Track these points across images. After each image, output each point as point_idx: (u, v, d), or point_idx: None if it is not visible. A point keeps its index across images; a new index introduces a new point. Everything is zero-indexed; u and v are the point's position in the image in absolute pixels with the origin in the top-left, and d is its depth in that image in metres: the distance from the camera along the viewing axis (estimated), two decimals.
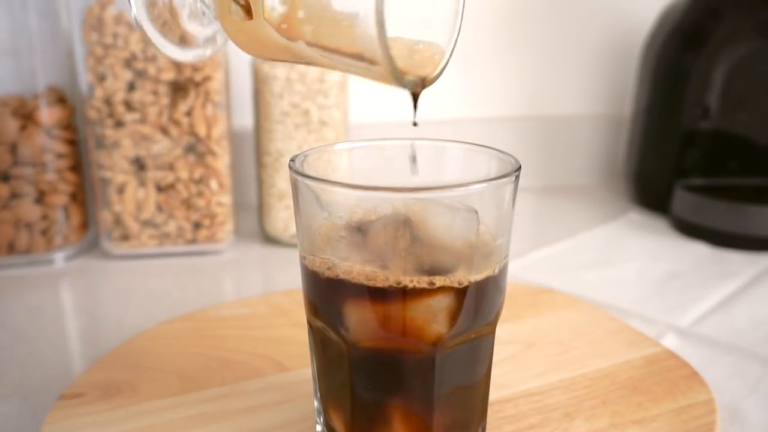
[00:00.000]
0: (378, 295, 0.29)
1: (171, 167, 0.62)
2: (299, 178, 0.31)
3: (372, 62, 0.26)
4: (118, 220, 0.62)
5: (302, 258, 0.32)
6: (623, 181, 0.89)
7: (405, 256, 0.30)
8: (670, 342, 0.49)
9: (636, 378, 0.42)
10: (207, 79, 0.60)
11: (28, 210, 0.60)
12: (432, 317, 0.30)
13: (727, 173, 0.75)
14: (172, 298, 0.56)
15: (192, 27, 0.29)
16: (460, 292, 0.30)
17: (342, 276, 0.30)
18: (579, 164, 0.92)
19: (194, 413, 0.38)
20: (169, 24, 0.28)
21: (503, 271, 0.32)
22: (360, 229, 0.32)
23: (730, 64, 0.71)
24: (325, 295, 0.31)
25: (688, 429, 0.37)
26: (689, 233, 0.71)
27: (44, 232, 0.61)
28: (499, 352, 0.37)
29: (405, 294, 0.29)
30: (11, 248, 0.61)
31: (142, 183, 0.62)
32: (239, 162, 0.74)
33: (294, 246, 0.67)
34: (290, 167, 0.31)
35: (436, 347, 0.30)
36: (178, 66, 0.59)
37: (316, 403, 0.35)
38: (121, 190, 0.62)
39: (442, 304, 0.30)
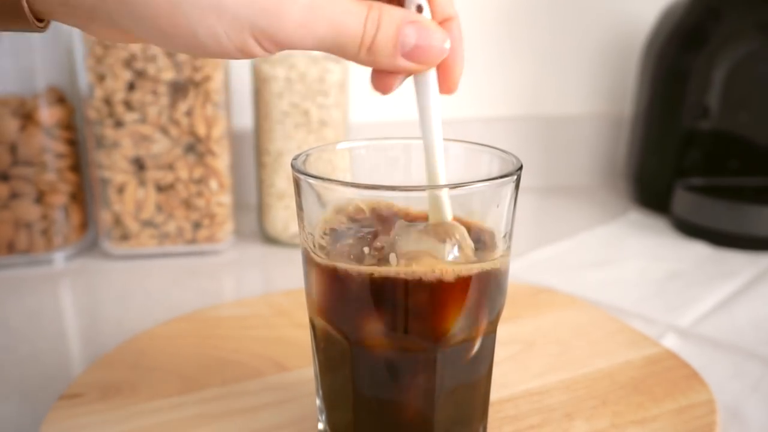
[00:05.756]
0: (380, 292, 0.29)
1: (171, 167, 0.62)
2: (302, 177, 0.31)
3: None
4: (117, 220, 0.62)
5: (304, 256, 0.32)
6: (623, 181, 0.89)
7: (406, 253, 0.30)
8: (670, 342, 0.49)
9: (636, 378, 0.42)
10: (207, 79, 0.60)
11: (28, 210, 0.60)
12: (434, 314, 0.30)
13: (728, 173, 0.75)
14: (172, 298, 0.56)
15: None
16: (462, 290, 0.30)
17: (344, 274, 0.30)
18: (579, 164, 0.92)
19: (194, 413, 0.38)
20: None
21: (505, 270, 0.32)
22: (362, 227, 0.32)
23: (730, 64, 0.71)
24: (328, 293, 0.31)
25: (689, 429, 0.37)
26: (689, 233, 0.71)
27: (44, 232, 0.61)
28: (499, 352, 0.37)
29: (407, 291, 0.29)
30: (11, 248, 0.61)
31: (142, 183, 0.62)
32: (239, 162, 0.74)
33: (294, 246, 0.67)
34: (292, 166, 0.31)
35: (437, 345, 0.30)
36: (177, 65, 0.59)
37: (318, 402, 0.35)
38: (120, 190, 0.62)
39: (443, 301, 0.30)
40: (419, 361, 0.31)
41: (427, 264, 0.29)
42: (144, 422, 0.37)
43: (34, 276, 0.60)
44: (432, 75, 0.29)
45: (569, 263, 0.65)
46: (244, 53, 0.25)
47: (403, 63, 0.27)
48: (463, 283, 0.30)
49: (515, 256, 0.65)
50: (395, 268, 0.29)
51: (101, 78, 0.59)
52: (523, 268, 0.63)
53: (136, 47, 0.58)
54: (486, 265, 0.30)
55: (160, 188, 0.62)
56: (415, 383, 0.31)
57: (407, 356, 0.31)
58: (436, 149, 0.30)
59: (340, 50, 0.27)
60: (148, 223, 0.63)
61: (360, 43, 0.26)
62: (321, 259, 0.31)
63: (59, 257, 0.63)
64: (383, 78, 0.29)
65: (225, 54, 0.25)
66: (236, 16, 0.24)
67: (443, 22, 0.29)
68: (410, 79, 0.30)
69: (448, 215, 0.30)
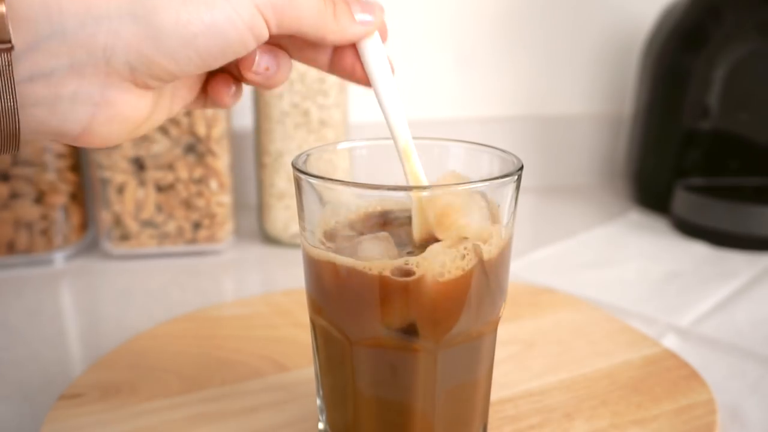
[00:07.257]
0: (380, 291, 0.29)
1: (171, 167, 0.62)
2: (302, 177, 0.31)
3: None
4: (117, 220, 0.62)
5: (305, 256, 0.32)
6: (623, 181, 0.89)
7: (407, 250, 0.30)
8: (670, 342, 0.49)
9: (636, 378, 0.42)
10: None
11: (28, 210, 0.60)
12: (434, 314, 0.30)
13: (728, 173, 0.75)
14: (172, 298, 0.56)
15: None
16: (462, 290, 0.30)
17: (344, 273, 0.30)
18: (579, 164, 0.92)
19: (194, 413, 0.38)
20: None
21: (505, 270, 0.32)
22: (362, 227, 0.32)
23: (730, 64, 0.71)
24: (328, 292, 0.31)
25: (688, 429, 0.37)
26: (689, 233, 0.71)
27: (44, 232, 0.61)
28: (499, 352, 0.37)
29: (408, 290, 0.29)
30: (11, 248, 0.61)
31: (142, 183, 0.62)
32: (239, 162, 0.74)
33: (294, 246, 0.67)
34: (293, 166, 0.32)
35: (437, 345, 0.30)
36: None
37: (318, 401, 0.35)
38: (120, 190, 0.62)
39: (444, 300, 0.30)
40: (419, 361, 0.31)
41: (428, 263, 0.29)
42: (144, 422, 0.37)
43: (34, 276, 0.60)
44: (377, 38, 0.31)
45: (569, 263, 0.65)
46: (253, 32, 0.28)
47: (358, 28, 0.30)
48: (463, 282, 0.30)
49: (515, 256, 0.65)
50: (395, 268, 0.29)
51: None
52: (523, 268, 0.63)
53: None
54: (486, 265, 0.30)
55: (160, 188, 0.62)
56: (415, 383, 0.31)
57: (407, 356, 0.31)
58: (394, 114, 0.31)
59: (317, 23, 0.29)
60: (148, 223, 0.63)
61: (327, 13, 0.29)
62: (321, 258, 0.31)
63: (59, 257, 0.63)
64: (217, 89, 0.32)
65: (241, 41, 0.28)
66: None
67: None
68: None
69: (422, 178, 0.31)
